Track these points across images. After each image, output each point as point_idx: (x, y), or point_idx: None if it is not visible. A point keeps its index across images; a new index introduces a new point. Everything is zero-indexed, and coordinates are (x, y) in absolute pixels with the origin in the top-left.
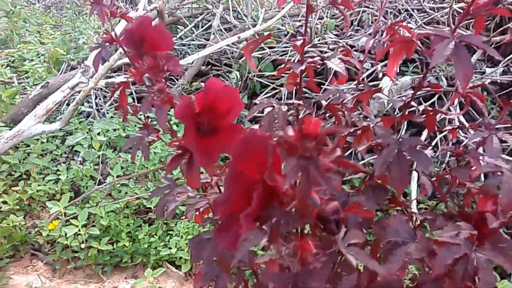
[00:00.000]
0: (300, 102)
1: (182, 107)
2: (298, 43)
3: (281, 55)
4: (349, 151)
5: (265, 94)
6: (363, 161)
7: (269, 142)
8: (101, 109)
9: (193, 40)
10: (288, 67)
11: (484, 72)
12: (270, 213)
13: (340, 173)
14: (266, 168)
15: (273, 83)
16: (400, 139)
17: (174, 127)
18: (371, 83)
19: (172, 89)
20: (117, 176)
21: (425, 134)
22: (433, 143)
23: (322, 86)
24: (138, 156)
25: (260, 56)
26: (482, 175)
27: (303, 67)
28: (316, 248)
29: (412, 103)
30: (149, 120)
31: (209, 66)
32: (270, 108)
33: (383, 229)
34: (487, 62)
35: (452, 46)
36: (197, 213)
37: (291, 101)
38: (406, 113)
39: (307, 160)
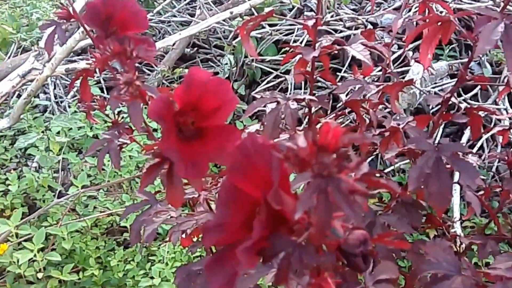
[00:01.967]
0: (313, 97)
1: (157, 105)
2: (310, 23)
3: (285, 35)
4: (374, 154)
5: (266, 83)
6: (391, 167)
7: (274, 153)
8: (62, 102)
9: (175, 16)
10: (297, 52)
11: None
12: (277, 245)
13: (368, 194)
14: (270, 186)
15: (276, 69)
16: (439, 144)
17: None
18: (398, 70)
19: (150, 77)
20: (83, 187)
21: (467, 134)
22: (478, 145)
23: (338, 73)
24: (108, 160)
25: (260, 36)
26: None
27: (316, 53)
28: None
29: (453, 98)
30: (121, 116)
31: (195, 49)
32: (274, 104)
33: (419, 257)
34: None
35: (502, 29)
36: (183, 235)
37: (301, 97)
38: (445, 110)
39: (325, 180)
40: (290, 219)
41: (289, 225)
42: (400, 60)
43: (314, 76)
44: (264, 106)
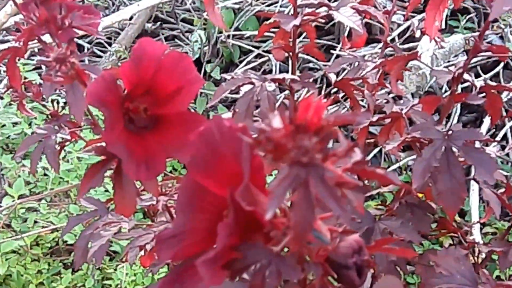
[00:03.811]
0: (295, 77)
1: (98, 86)
2: None
3: (268, 5)
4: (377, 149)
5: (246, 64)
6: (397, 164)
7: (244, 138)
8: None
9: None
10: (275, 22)
11: None
12: (249, 255)
13: (361, 188)
14: (241, 182)
15: (258, 47)
16: (450, 132)
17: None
18: (405, 46)
19: (102, 59)
20: (20, 197)
21: (487, 122)
22: (501, 135)
23: (332, 51)
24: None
25: (237, 7)
26: None
27: (297, 22)
28: None
29: (466, 75)
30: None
31: (158, 24)
32: (249, 87)
33: (429, 270)
34: None
35: None
36: (142, 252)
37: (280, 76)
38: (459, 90)
39: (305, 169)
40: (265, 224)
41: (265, 231)
42: (406, 35)
43: (297, 51)
44: (237, 90)
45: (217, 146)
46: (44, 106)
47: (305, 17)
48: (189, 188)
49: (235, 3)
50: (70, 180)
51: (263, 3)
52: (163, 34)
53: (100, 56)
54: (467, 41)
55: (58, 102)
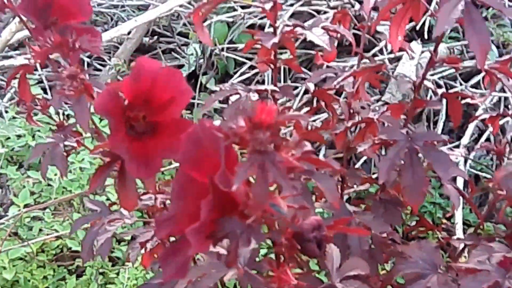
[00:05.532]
0: (275, 88)
1: (104, 98)
2: (267, 6)
3: (260, 18)
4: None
5: (240, 75)
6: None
7: (218, 134)
8: None
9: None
10: (257, 38)
11: None
12: (226, 227)
13: (303, 171)
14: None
15: (251, 59)
16: (411, 134)
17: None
18: (391, 56)
19: (102, 73)
20: (25, 206)
21: (471, 127)
22: (483, 139)
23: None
24: (55, 174)
25: (231, 20)
26: None
27: (276, 40)
28: (303, 281)
29: (429, 84)
30: (68, 119)
31: (156, 38)
32: (236, 97)
33: (403, 261)
34: None
35: (462, 7)
36: (142, 251)
37: (262, 87)
38: (441, 96)
39: (261, 155)
40: (240, 203)
41: (240, 209)
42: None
43: (278, 65)
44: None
45: (201, 142)
46: (50, 117)
47: (285, 35)
48: (181, 179)
49: (229, 17)
50: (73, 189)
51: (255, 16)
52: (160, 47)
53: (99, 70)
54: (451, 50)
55: (63, 114)
